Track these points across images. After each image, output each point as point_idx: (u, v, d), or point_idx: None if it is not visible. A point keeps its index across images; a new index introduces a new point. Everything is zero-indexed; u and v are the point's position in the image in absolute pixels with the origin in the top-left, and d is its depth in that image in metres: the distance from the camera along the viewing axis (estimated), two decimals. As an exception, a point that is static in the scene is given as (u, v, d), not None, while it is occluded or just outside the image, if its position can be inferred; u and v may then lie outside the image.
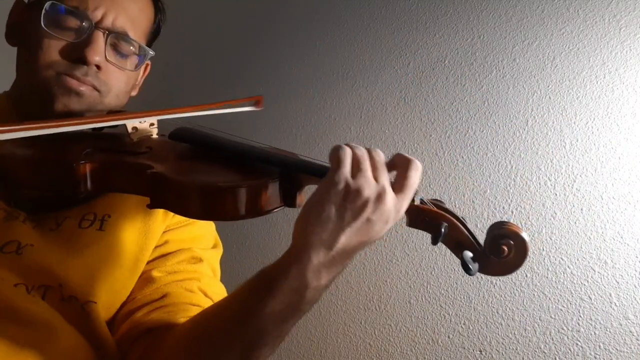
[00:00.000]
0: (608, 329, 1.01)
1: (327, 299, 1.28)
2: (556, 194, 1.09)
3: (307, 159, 0.62)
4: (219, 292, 0.76)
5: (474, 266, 0.55)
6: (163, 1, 0.85)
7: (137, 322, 0.69)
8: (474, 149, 1.17)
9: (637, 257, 1.01)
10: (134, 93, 0.83)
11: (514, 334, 1.08)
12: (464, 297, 1.14)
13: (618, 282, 1.01)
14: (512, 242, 0.54)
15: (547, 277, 1.07)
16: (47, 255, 0.64)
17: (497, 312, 1.10)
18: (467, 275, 0.76)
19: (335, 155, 0.54)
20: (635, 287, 1.00)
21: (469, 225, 0.59)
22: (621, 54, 1.07)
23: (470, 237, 0.57)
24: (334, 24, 1.41)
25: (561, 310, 1.05)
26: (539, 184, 1.11)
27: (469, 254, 0.56)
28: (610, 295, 1.02)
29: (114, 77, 0.73)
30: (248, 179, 0.58)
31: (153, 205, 0.58)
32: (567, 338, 1.04)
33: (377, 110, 1.31)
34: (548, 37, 1.15)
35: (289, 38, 1.47)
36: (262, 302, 0.54)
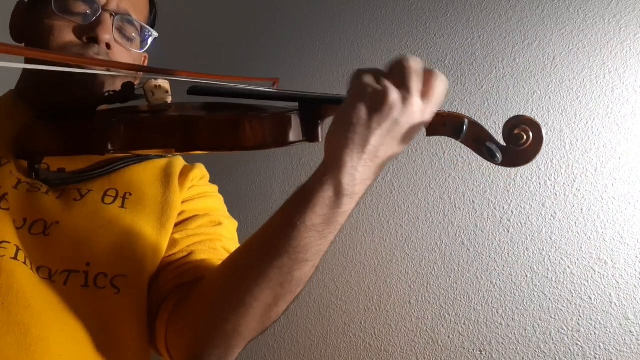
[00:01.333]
0: (608, 329, 1.01)
1: (327, 299, 1.29)
2: (556, 194, 1.09)
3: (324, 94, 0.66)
4: None
5: (499, 154, 0.57)
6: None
7: (165, 281, 0.71)
8: (474, 149, 1.16)
9: (637, 257, 1.01)
10: (136, 82, 0.85)
11: (514, 334, 1.08)
12: (464, 297, 1.14)
13: (618, 282, 1.01)
14: (527, 127, 0.56)
15: (547, 277, 1.07)
16: (73, 233, 0.66)
17: (497, 312, 1.10)
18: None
19: (355, 72, 0.57)
20: (635, 287, 1.00)
21: None
22: (621, 54, 1.07)
23: (488, 132, 0.58)
24: (334, 24, 1.41)
25: (561, 310, 1.05)
26: (539, 184, 1.11)
27: (491, 144, 0.57)
28: (610, 295, 1.02)
29: (122, 58, 0.78)
30: (260, 113, 0.64)
31: (183, 148, 0.64)
32: (567, 338, 1.04)
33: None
34: (548, 37, 1.15)
35: (288, 38, 1.47)
36: (301, 216, 0.56)
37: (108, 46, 0.74)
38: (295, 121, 0.63)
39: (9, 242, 0.62)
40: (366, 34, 1.37)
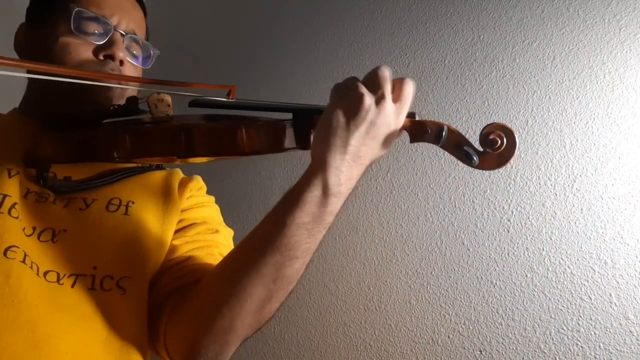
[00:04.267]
0: (608, 329, 1.01)
1: (327, 299, 1.29)
2: (556, 194, 1.09)
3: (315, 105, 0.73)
4: None
5: (476, 157, 0.63)
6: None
7: (165, 284, 0.74)
8: (474, 149, 1.16)
9: (637, 257, 1.01)
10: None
11: (514, 334, 1.08)
12: (464, 297, 1.14)
13: (618, 282, 1.01)
14: (500, 132, 0.62)
15: (547, 277, 1.07)
16: (80, 239, 0.70)
17: (497, 312, 1.10)
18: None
19: (336, 85, 0.64)
20: (635, 287, 1.00)
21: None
22: (621, 54, 1.07)
23: (466, 138, 0.65)
24: (334, 24, 1.41)
25: (561, 310, 1.05)
26: (539, 184, 1.11)
27: (469, 149, 0.64)
28: (610, 295, 1.02)
29: (130, 74, 0.85)
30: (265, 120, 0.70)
31: (184, 155, 0.68)
32: (567, 338, 1.04)
33: (377, 110, 1.31)
34: (548, 37, 1.15)
35: (289, 38, 1.47)
36: (291, 215, 0.61)
37: (121, 63, 0.81)
38: (289, 130, 0.70)
39: (18, 247, 0.64)
40: (366, 34, 1.37)
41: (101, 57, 0.79)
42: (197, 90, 0.78)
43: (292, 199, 0.62)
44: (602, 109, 1.08)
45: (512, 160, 0.63)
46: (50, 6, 0.81)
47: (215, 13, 1.62)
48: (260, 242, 0.65)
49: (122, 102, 0.79)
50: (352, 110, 0.60)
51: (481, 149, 0.64)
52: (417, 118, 0.67)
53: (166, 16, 1.64)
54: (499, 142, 0.62)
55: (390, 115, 0.62)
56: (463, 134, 0.64)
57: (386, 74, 0.62)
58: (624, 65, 1.07)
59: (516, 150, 0.62)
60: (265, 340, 1.35)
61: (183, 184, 0.84)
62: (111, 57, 0.79)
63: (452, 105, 1.22)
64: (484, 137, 0.63)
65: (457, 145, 0.65)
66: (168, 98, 0.74)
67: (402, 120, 0.64)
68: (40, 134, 0.73)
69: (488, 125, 0.63)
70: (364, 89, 0.61)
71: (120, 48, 0.80)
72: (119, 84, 0.80)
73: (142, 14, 0.89)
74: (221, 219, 0.89)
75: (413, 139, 0.67)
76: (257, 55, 1.53)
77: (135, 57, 0.86)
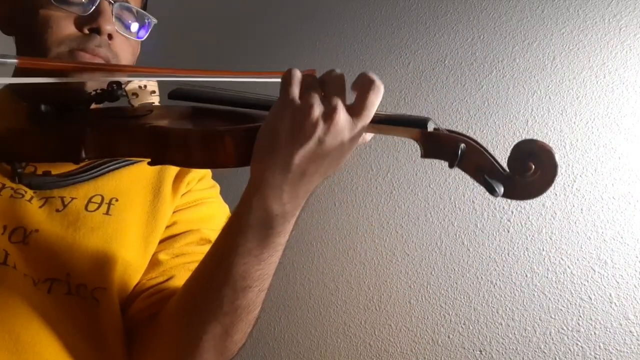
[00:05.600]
0: (608, 329, 1.01)
1: (327, 299, 1.29)
2: (556, 194, 1.09)
3: None
4: None
5: (499, 187, 0.50)
6: None
7: (139, 309, 0.69)
8: (474, 149, 1.16)
9: (637, 257, 1.01)
10: None
11: (514, 334, 1.08)
12: (464, 297, 1.14)
13: (618, 282, 1.01)
14: (538, 157, 0.48)
15: (547, 277, 1.07)
16: (52, 242, 0.64)
17: (497, 312, 1.10)
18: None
19: (283, 78, 0.53)
20: (635, 287, 1.00)
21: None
22: (621, 54, 1.07)
23: (490, 157, 0.51)
24: (334, 24, 1.41)
25: (561, 310, 1.05)
26: (539, 184, 1.11)
27: (491, 177, 0.51)
28: (610, 295, 1.01)
29: (122, 48, 0.75)
30: (246, 123, 0.59)
31: (155, 161, 0.59)
32: (567, 338, 1.04)
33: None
34: (548, 37, 1.15)
35: (288, 38, 1.47)
36: (234, 241, 0.55)
37: (110, 36, 0.72)
38: None
39: None
40: (366, 34, 1.36)
41: (86, 31, 0.69)
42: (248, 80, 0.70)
43: (233, 225, 0.56)
44: (602, 109, 1.08)
45: (546, 191, 0.49)
46: None
47: (212, 14, 1.61)
48: (206, 277, 0.59)
49: (104, 86, 0.71)
50: (296, 125, 0.50)
51: (509, 172, 0.50)
52: (430, 128, 0.54)
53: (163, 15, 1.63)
54: (533, 168, 0.48)
55: (343, 132, 0.51)
56: (487, 147, 0.51)
57: (342, 79, 0.53)
58: (624, 65, 1.07)
59: (555, 179, 0.48)
60: (265, 340, 1.35)
61: (180, 177, 0.76)
62: (97, 31, 0.70)
63: (452, 105, 1.21)
64: (515, 158, 0.49)
65: (477, 169, 0.51)
66: (153, 84, 0.67)
67: (359, 135, 0.53)
68: (14, 130, 0.67)
69: (523, 143, 0.49)
70: (314, 98, 0.51)
71: (107, 19, 0.70)
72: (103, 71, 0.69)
73: None
74: (224, 211, 0.81)
75: (424, 155, 0.55)
76: (256, 55, 1.52)
77: (127, 27, 0.75)
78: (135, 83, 0.67)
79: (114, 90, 0.70)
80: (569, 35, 1.13)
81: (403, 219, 1.23)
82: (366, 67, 1.33)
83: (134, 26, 0.77)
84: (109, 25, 0.70)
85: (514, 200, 0.54)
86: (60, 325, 0.61)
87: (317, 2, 1.44)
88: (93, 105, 0.73)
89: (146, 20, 0.78)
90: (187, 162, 0.60)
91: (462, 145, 0.52)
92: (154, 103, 0.70)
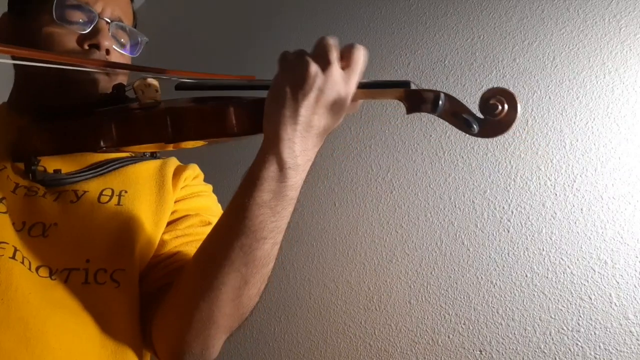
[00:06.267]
0: (608, 329, 1.01)
1: (327, 299, 1.29)
2: (556, 194, 1.09)
3: None
4: None
5: (476, 124, 0.60)
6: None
7: (153, 280, 0.73)
8: (474, 149, 1.17)
9: (637, 257, 1.01)
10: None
11: (514, 334, 1.08)
12: (464, 297, 1.14)
13: (618, 282, 1.01)
14: (500, 96, 0.58)
15: (547, 277, 1.07)
16: (71, 232, 0.68)
17: (497, 312, 1.10)
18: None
19: (281, 54, 0.63)
20: (635, 287, 1.00)
21: None
22: (621, 54, 1.07)
23: (465, 105, 0.61)
24: (334, 24, 1.41)
25: (561, 310, 1.05)
26: (539, 184, 1.11)
27: (468, 116, 0.60)
28: (610, 295, 1.01)
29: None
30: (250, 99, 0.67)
31: (173, 139, 0.65)
32: (567, 338, 1.04)
33: (377, 110, 1.31)
34: (548, 37, 1.15)
35: (289, 38, 1.47)
36: (250, 195, 0.60)
37: (107, 52, 0.78)
38: None
39: (7, 243, 0.64)
40: (366, 34, 1.37)
41: (86, 47, 0.76)
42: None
43: (250, 179, 0.61)
44: (602, 109, 1.08)
45: (513, 126, 0.59)
46: None
47: (213, 12, 1.62)
48: (226, 227, 0.64)
49: (109, 90, 0.77)
50: (299, 79, 0.58)
51: (481, 116, 0.60)
52: (412, 87, 0.63)
53: (162, 15, 1.64)
54: (500, 107, 0.58)
55: (338, 82, 0.59)
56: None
57: (331, 41, 0.60)
58: (624, 65, 1.07)
59: (518, 114, 0.58)
60: (265, 340, 1.35)
61: (177, 173, 0.83)
62: (96, 47, 0.77)
63: (452, 105, 1.22)
64: (484, 102, 0.59)
65: (455, 114, 0.61)
66: (155, 83, 0.72)
67: (352, 86, 0.62)
68: (27, 127, 0.72)
69: (488, 90, 0.59)
70: (309, 58, 0.59)
71: (105, 37, 0.77)
72: (105, 69, 0.77)
73: (128, 0, 0.87)
74: (217, 207, 0.87)
75: (409, 110, 0.63)
76: (256, 55, 1.53)
77: (122, 45, 0.83)
78: (141, 82, 0.72)
79: (119, 92, 0.76)
80: (569, 35, 1.13)
81: (403, 219, 1.23)
82: (366, 66, 1.33)
83: (128, 43, 0.85)
84: (107, 41, 0.77)
85: (490, 138, 0.63)
86: (72, 314, 0.64)
87: (317, 3, 1.45)
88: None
89: (139, 39, 0.86)
90: (203, 134, 0.67)
91: (442, 95, 0.61)
92: (157, 99, 0.75)
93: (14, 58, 0.69)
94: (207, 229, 0.79)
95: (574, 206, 1.07)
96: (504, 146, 1.14)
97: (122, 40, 0.83)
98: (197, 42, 1.64)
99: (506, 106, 0.58)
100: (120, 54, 0.82)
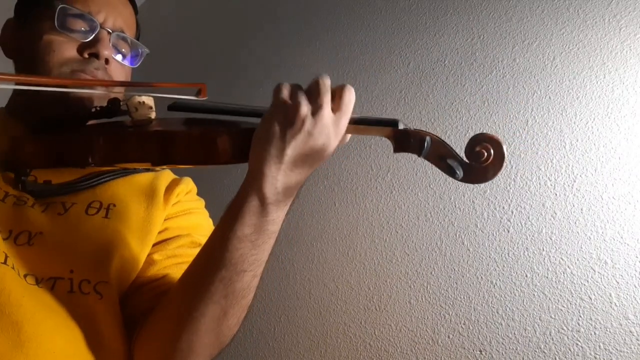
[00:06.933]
0: (608, 329, 1.01)
1: (327, 299, 1.29)
2: (556, 194, 1.09)
3: None
4: None
5: (460, 170, 0.60)
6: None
7: (137, 303, 0.73)
8: (474, 149, 1.16)
9: (637, 257, 1.01)
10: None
11: (514, 334, 1.08)
12: (464, 297, 1.14)
13: (618, 282, 1.01)
14: (488, 144, 0.59)
15: (547, 277, 1.07)
16: (56, 242, 0.69)
17: (497, 312, 1.10)
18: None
19: (274, 88, 0.63)
20: (635, 287, 1.00)
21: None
22: (621, 54, 1.07)
23: (451, 149, 0.62)
24: (334, 24, 1.41)
25: (561, 310, 1.05)
26: (539, 184, 1.11)
27: (453, 162, 0.61)
28: (610, 295, 1.01)
29: (117, 73, 0.82)
30: (241, 126, 0.68)
31: (159, 162, 0.66)
32: (567, 338, 1.04)
33: (377, 110, 1.31)
34: (548, 37, 1.15)
35: (289, 38, 1.47)
36: (231, 229, 0.61)
37: (107, 61, 0.79)
38: None
39: None
40: (366, 34, 1.37)
41: (85, 55, 0.77)
42: (168, 90, 0.78)
43: (231, 212, 0.62)
44: (602, 109, 1.08)
45: (498, 175, 0.59)
46: (35, 3, 0.80)
47: (213, 13, 1.61)
48: (206, 260, 0.65)
49: (104, 103, 0.77)
50: (288, 120, 0.59)
51: (467, 161, 0.61)
52: (400, 127, 0.64)
53: (162, 17, 1.64)
54: (486, 154, 0.59)
55: (328, 126, 0.60)
56: (451, 144, 0.61)
57: (327, 82, 0.61)
58: (624, 65, 1.07)
59: (504, 165, 0.59)
60: (265, 340, 1.35)
61: (170, 188, 0.83)
62: (96, 55, 0.78)
63: (452, 105, 1.22)
64: (470, 148, 0.60)
65: (440, 157, 0.62)
66: (150, 101, 0.72)
67: (342, 129, 0.62)
68: (19, 138, 0.72)
69: (476, 135, 0.60)
70: (301, 98, 0.60)
71: (105, 46, 0.78)
72: (103, 88, 0.78)
73: (132, 11, 0.88)
74: (209, 224, 0.87)
75: (396, 149, 0.64)
76: (257, 56, 1.53)
77: (123, 55, 0.84)
78: (135, 99, 0.72)
79: (113, 106, 0.76)
80: (569, 35, 1.13)
81: (403, 219, 1.23)
82: (366, 67, 1.33)
83: (128, 54, 0.85)
84: (107, 51, 0.79)
85: (473, 185, 0.64)
86: (63, 319, 0.64)
87: (317, 3, 1.44)
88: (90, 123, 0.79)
89: (139, 50, 0.86)
90: (190, 160, 0.67)
91: (428, 139, 0.62)
92: (151, 117, 0.75)
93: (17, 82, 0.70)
94: (196, 251, 0.78)
95: (574, 206, 1.07)
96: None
97: (123, 50, 0.83)
98: (192, 45, 1.64)
99: (492, 153, 0.59)
100: (119, 64, 0.83)
